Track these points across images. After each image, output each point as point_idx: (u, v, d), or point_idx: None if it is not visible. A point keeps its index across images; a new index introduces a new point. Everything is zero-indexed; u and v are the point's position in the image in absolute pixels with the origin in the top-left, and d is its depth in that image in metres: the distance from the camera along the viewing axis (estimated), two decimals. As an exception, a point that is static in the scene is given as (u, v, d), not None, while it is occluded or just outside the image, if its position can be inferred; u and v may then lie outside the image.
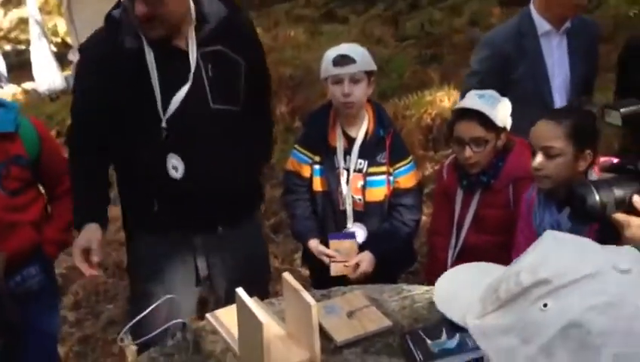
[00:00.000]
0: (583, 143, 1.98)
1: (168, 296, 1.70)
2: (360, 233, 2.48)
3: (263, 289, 2.37)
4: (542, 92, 2.70)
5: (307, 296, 1.66)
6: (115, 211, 2.27)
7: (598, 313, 0.75)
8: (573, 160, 1.98)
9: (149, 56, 1.99)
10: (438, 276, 2.54)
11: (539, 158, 2.01)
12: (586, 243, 0.87)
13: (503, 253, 2.29)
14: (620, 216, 1.45)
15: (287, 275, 1.78)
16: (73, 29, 9.64)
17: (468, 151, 2.28)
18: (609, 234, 1.49)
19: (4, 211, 2.18)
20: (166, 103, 2.02)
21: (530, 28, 2.71)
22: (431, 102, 4.89)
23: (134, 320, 1.54)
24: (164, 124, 2.03)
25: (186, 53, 2.02)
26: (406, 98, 5.22)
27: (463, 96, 2.91)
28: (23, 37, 10.66)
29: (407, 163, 2.51)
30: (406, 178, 2.50)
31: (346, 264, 2.44)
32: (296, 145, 2.60)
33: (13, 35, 11.65)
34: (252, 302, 1.64)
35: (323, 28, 7.24)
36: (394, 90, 5.57)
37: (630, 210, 1.45)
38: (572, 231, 1.99)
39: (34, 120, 2.39)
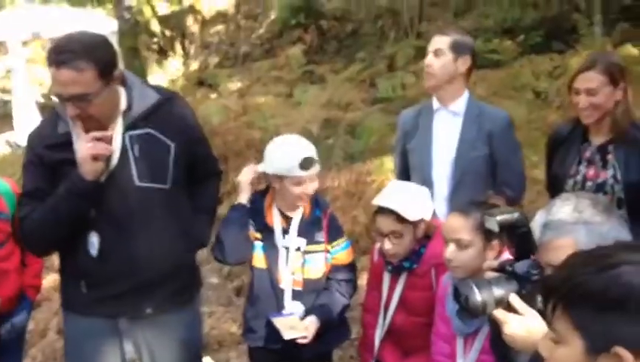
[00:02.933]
0: (491, 235, 2.11)
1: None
2: (299, 311, 2.59)
3: None
4: (422, 164, 2.92)
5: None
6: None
7: None
8: (481, 250, 2.13)
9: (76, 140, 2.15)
10: (369, 352, 2.67)
11: (450, 249, 2.16)
12: None
13: (427, 332, 2.42)
14: (499, 314, 1.59)
15: (208, 360, 1.89)
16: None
17: (387, 244, 2.43)
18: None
19: None
20: None
21: (429, 106, 2.97)
22: (391, 168, 5.05)
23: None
24: None
25: (112, 136, 2.16)
26: (370, 163, 5.39)
27: (394, 165, 3.16)
28: (8, 86, 10.83)
29: (344, 241, 2.69)
30: (343, 255, 2.67)
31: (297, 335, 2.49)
32: None
33: (-1, 84, 11.83)
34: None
35: (296, 90, 7.45)
36: (361, 154, 5.74)
37: (509, 308, 1.59)
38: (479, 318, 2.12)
39: (7, 179, 2.68)
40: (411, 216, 2.40)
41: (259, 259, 2.64)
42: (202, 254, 5.06)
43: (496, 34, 7.73)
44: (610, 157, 2.61)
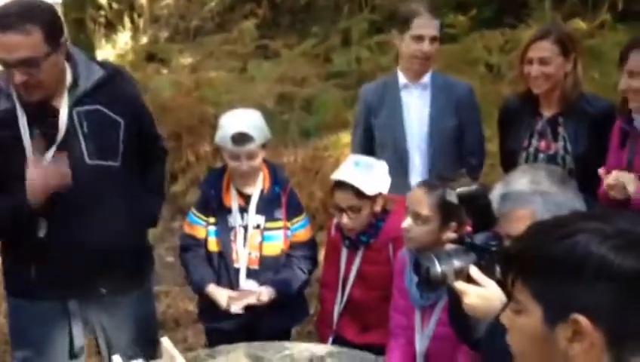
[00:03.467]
0: (449, 216, 2.14)
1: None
2: (253, 288, 2.58)
3: (150, 351, 2.33)
4: (396, 138, 2.94)
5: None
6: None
7: None
8: (437, 229, 2.15)
9: (22, 120, 2.06)
10: (327, 327, 2.68)
11: (408, 220, 2.18)
12: None
13: (386, 306, 2.43)
14: (459, 285, 1.62)
15: (165, 341, 1.86)
16: None
17: (345, 218, 2.43)
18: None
19: None
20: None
21: (394, 81, 2.98)
22: (347, 144, 5.04)
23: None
24: None
25: (56, 110, 2.10)
26: (327, 138, 5.37)
27: (352, 142, 3.15)
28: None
29: (303, 218, 2.67)
30: (302, 232, 2.66)
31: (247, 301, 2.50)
32: (192, 209, 2.70)
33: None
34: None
35: (250, 65, 7.34)
36: (316, 130, 5.72)
37: (468, 279, 1.61)
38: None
39: None
40: (369, 190, 2.40)
41: (212, 243, 2.63)
42: (157, 233, 5.03)
43: (449, 9, 7.77)
44: (560, 129, 2.67)
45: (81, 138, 2.11)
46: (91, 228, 2.12)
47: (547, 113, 2.71)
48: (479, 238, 1.64)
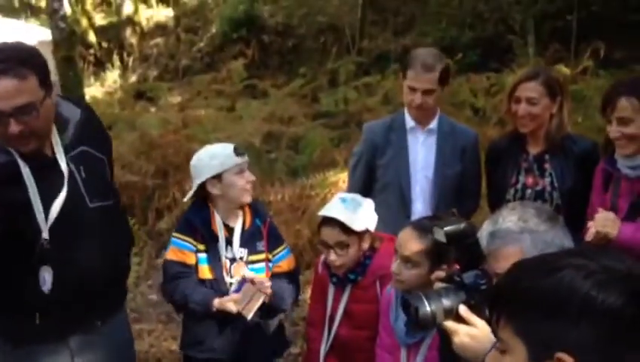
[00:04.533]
0: (439, 259, 2.12)
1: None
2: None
3: None
4: (400, 181, 2.94)
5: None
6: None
7: None
8: (427, 273, 2.12)
9: (25, 170, 1.97)
10: (314, 366, 2.61)
11: (397, 264, 2.16)
12: None
13: (372, 345, 2.41)
14: (448, 324, 1.60)
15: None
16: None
17: (332, 255, 2.41)
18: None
19: None
20: (45, 214, 1.99)
21: (401, 122, 2.99)
22: (335, 183, 5.08)
23: None
24: (45, 235, 1.98)
25: (54, 160, 2.03)
26: (314, 177, 5.39)
27: (350, 180, 3.14)
28: None
29: (284, 249, 2.69)
30: (284, 262, 2.67)
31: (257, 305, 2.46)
32: (175, 234, 2.62)
33: None
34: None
35: (238, 104, 7.41)
36: (303, 169, 5.74)
37: (458, 318, 1.60)
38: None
39: None
40: (357, 226, 2.40)
41: (204, 270, 2.58)
42: (141, 270, 4.97)
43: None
44: (547, 165, 2.72)
45: (80, 183, 2.06)
46: (94, 268, 2.09)
47: (533, 151, 2.75)
48: (468, 277, 1.62)
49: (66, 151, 2.06)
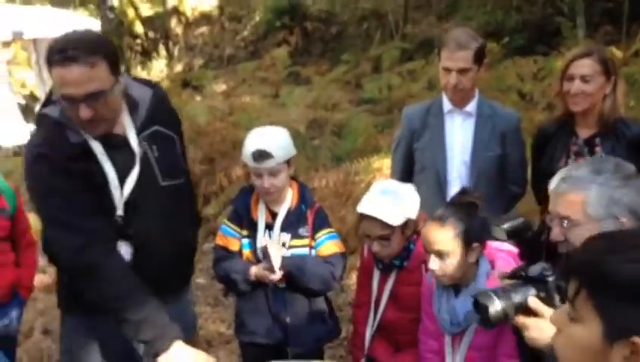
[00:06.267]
0: (469, 239, 2.12)
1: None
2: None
3: None
4: (437, 164, 2.94)
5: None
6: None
7: None
8: (463, 256, 2.13)
9: (97, 148, 2.04)
10: (360, 349, 2.67)
11: (432, 261, 2.15)
12: None
13: (418, 327, 2.42)
14: (519, 320, 1.63)
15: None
16: (42, 81, 9.75)
17: (375, 246, 2.41)
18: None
19: None
20: (120, 190, 2.07)
21: (439, 106, 2.98)
22: (379, 168, 5.08)
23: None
24: (119, 212, 2.06)
25: (125, 139, 2.09)
26: (357, 163, 5.40)
27: (392, 164, 3.15)
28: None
29: (328, 233, 2.64)
30: (326, 246, 2.62)
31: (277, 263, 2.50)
32: (224, 220, 2.72)
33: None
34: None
35: (282, 91, 7.45)
36: (347, 155, 5.76)
37: (528, 312, 1.61)
38: (467, 316, 2.14)
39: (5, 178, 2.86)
40: (396, 221, 2.37)
41: (247, 255, 2.64)
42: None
43: (482, 37, 7.80)
44: (598, 149, 2.65)
45: (153, 162, 2.13)
46: (165, 245, 2.16)
47: (584, 134, 2.70)
48: (534, 270, 1.64)
49: (139, 131, 2.12)
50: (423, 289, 2.37)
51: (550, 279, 1.61)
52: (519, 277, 1.67)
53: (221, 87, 8.84)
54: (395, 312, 2.50)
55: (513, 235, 1.67)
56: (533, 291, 1.62)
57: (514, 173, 2.97)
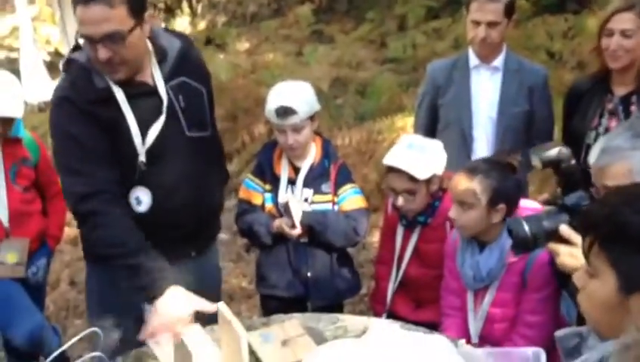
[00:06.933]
0: (496, 199, 2.10)
1: (93, 329, 1.70)
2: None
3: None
4: (461, 120, 2.89)
5: (239, 327, 1.79)
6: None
7: None
8: (485, 214, 2.12)
9: (119, 95, 2.04)
10: (381, 304, 2.69)
11: (454, 209, 2.15)
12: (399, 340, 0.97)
13: (440, 284, 2.43)
14: (551, 246, 1.63)
15: (222, 306, 1.90)
16: (66, 38, 9.76)
17: (401, 200, 2.40)
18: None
19: (20, 203, 2.76)
20: (143, 138, 2.07)
21: (465, 61, 2.93)
22: (402, 127, 5.03)
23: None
24: (142, 158, 2.07)
25: (153, 88, 2.10)
26: (381, 122, 5.35)
27: (415, 121, 3.11)
28: (16, 45, 10.76)
29: (351, 188, 2.63)
30: (349, 201, 2.61)
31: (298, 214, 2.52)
32: (248, 175, 2.73)
33: (6, 42, 11.75)
34: (186, 332, 1.77)
35: (306, 49, 7.36)
36: (370, 114, 5.70)
37: (560, 239, 1.61)
38: (490, 273, 2.14)
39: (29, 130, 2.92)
40: (423, 174, 2.36)
41: (269, 210, 2.65)
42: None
43: (511, -7, 7.60)
44: (633, 108, 2.57)
45: (179, 112, 2.13)
46: (189, 197, 2.17)
47: (620, 91, 2.61)
48: (571, 199, 1.63)
49: (166, 81, 2.11)
50: (446, 245, 2.36)
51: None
52: (555, 205, 1.66)
53: (244, 45, 8.76)
54: (417, 269, 2.50)
55: (549, 164, 1.65)
56: (566, 218, 1.62)
57: (541, 129, 2.92)
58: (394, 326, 2.00)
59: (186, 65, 2.18)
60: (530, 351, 1.82)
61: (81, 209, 2.05)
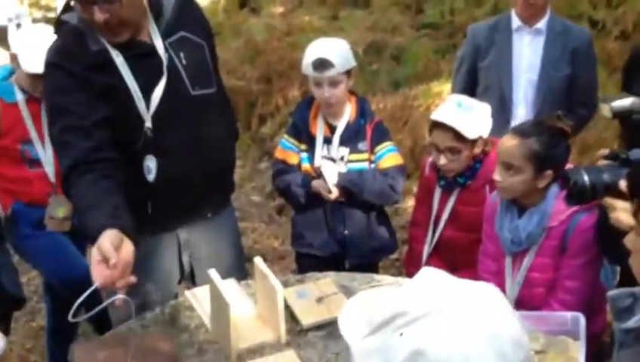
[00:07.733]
0: (544, 165, 2.05)
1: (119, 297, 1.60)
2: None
3: (241, 270, 2.36)
4: (501, 83, 2.84)
5: (275, 281, 1.79)
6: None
7: (438, 344, 0.85)
8: (531, 179, 2.07)
9: (118, 59, 1.92)
10: (415, 266, 2.68)
11: (498, 171, 2.10)
12: (449, 283, 0.96)
13: (476, 248, 2.40)
14: (607, 200, 1.59)
15: (258, 260, 1.91)
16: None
17: (443, 159, 2.37)
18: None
19: None
20: (147, 102, 1.96)
21: (507, 23, 2.86)
22: (439, 93, 4.95)
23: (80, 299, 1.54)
24: (148, 124, 1.97)
25: (152, 47, 1.97)
26: (417, 88, 5.28)
27: (453, 85, 3.06)
28: (53, 4, 10.81)
29: (387, 146, 2.61)
30: (386, 159, 2.60)
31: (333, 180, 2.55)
32: (285, 135, 2.72)
33: (43, 2, 11.81)
34: (221, 284, 1.77)
35: (341, 13, 7.25)
36: (406, 80, 5.62)
37: (619, 194, 1.55)
38: (529, 237, 2.09)
39: None
40: (470, 134, 2.33)
41: (305, 170, 2.65)
42: (244, 173, 5.14)
43: (553, -41, 7.37)
44: None
45: (181, 70, 2.00)
46: (199, 156, 2.07)
47: None
48: (635, 154, 1.59)
49: (164, 38, 1.99)
50: (485, 209, 2.33)
51: None
52: (618, 159, 1.61)
53: (278, 9, 8.67)
54: (454, 231, 2.48)
55: (620, 114, 1.58)
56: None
57: (583, 94, 2.84)
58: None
59: (185, 18, 2.05)
60: (568, 314, 1.80)
61: (65, 181, 1.93)
